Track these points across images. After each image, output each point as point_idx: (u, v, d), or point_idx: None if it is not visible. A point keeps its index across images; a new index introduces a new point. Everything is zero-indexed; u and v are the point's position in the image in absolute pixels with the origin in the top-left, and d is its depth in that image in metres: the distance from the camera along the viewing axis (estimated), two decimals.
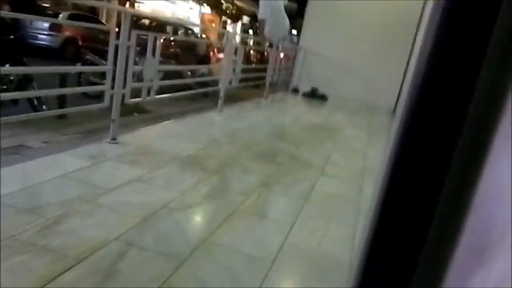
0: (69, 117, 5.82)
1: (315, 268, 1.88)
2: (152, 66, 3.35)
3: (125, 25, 2.86)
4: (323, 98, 8.20)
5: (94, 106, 3.20)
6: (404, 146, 0.66)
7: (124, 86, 3.07)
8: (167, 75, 7.52)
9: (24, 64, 5.62)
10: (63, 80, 5.88)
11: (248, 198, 2.51)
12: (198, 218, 2.15)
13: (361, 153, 4.30)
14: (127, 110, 5.98)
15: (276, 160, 3.49)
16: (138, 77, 3.62)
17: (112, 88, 3.00)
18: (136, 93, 3.43)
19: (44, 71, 4.49)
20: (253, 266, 1.78)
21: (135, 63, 3.25)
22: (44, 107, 5.97)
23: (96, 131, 4.16)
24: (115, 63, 3.01)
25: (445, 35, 0.59)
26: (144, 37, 3.35)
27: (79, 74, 7.11)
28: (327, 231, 2.26)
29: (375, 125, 6.23)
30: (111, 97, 3.02)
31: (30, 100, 5.76)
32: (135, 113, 6.39)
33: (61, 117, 5.75)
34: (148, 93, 3.52)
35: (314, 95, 8.28)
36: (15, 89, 5.65)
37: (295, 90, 8.70)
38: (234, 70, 5.34)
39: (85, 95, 6.90)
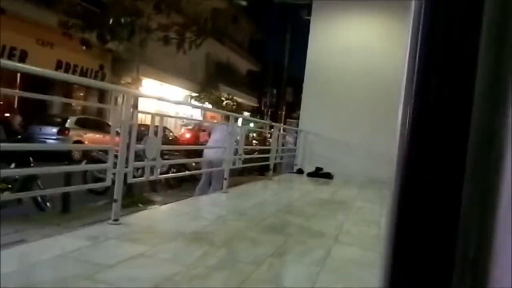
0: (73, 212, 5.75)
1: None
2: (154, 145, 3.36)
3: (128, 105, 2.93)
4: (328, 176, 8.15)
5: (95, 185, 3.13)
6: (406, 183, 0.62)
7: (126, 165, 3.05)
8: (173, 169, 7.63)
9: (29, 164, 5.70)
10: (68, 177, 5.89)
11: (260, 267, 2.32)
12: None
13: (374, 222, 4.11)
14: (131, 202, 5.93)
15: (286, 231, 3.32)
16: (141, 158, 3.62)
17: (115, 167, 2.97)
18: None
19: (49, 171, 4.43)
20: None
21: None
22: (48, 204, 5.94)
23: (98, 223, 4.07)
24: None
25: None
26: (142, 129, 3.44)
27: (85, 171, 7.19)
28: None
29: (384, 197, 6.08)
30: (113, 177, 2.98)
31: (34, 198, 5.75)
32: (140, 204, 6.32)
33: (64, 211, 5.69)
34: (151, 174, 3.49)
35: (319, 174, 8.24)
36: (20, 188, 5.66)
37: (300, 171, 8.68)
38: (237, 151, 5.38)
39: (90, 190, 6.92)
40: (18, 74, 14.11)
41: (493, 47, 0.54)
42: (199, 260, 2.34)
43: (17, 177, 5.54)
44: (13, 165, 5.48)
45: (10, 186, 5.34)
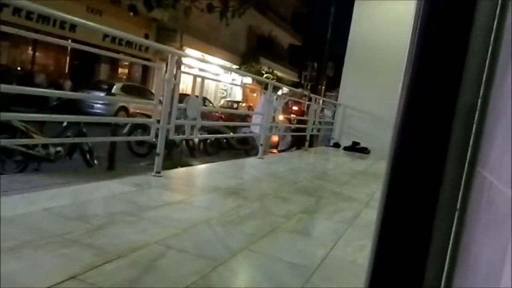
0: (117, 169, 6.12)
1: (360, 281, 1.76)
2: (195, 105, 3.53)
3: (172, 65, 3.09)
4: (364, 151, 8.11)
5: (140, 138, 3.34)
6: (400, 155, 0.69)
7: (169, 122, 3.24)
8: (212, 133, 7.85)
9: (79, 123, 6.07)
10: (114, 144, 6.21)
11: (290, 220, 2.46)
12: (238, 232, 2.12)
13: None
14: (170, 164, 6.22)
15: (318, 194, 3.43)
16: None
17: (158, 122, 3.16)
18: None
19: (96, 140, 4.68)
20: (294, 272, 1.71)
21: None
22: (95, 161, 6.34)
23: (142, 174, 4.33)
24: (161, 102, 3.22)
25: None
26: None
27: (129, 133, 7.50)
28: None
29: None
30: (157, 132, 3.18)
31: (83, 155, 6.15)
32: (179, 166, 6.61)
33: (110, 169, 6.06)
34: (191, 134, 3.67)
35: (356, 149, 8.22)
36: (71, 145, 6.06)
37: (336, 145, 8.69)
38: (273, 118, 5.48)
39: (133, 153, 7.29)
40: (69, 41, 14.76)
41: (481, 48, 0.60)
42: (233, 210, 2.50)
43: (69, 134, 5.94)
44: (65, 123, 5.90)
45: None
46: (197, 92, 3.58)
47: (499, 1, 0.59)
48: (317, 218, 2.73)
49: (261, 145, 5.14)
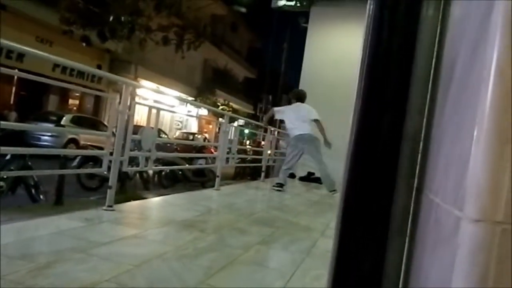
0: (66, 204, 5.81)
1: None
2: (150, 137, 3.47)
3: (126, 95, 3.05)
4: (319, 181, 8.26)
5: (92, 170, 3.22)
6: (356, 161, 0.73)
7: (122, 154, 3.15)
8: (167, 165, 7.70)
9: (25, 156, 5.76)
10: (62, 178, 5.93)
11: (247, 252, 2.43)
12: (194, 266, 2.06)
13: None
14: (123, 198, 6.01)
15: (275, 225, 3.43)
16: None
17: (111, 154, 3.07)
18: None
19: (43, 173, 4.41)
20: None
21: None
22: (41, 196, 5.99)
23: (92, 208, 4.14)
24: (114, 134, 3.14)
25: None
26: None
27: (79, 165, 7.20)
28: None
29: None
30: (109, 164, 3.08)
31: (28, 190, 5.81)
32: (132, 200, 6.39)
33: (57, 203, 5.74)
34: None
35: (311, 179, 8.36)
36: (15, 180, 5.72)
37: (292, 175, 8.79)
38: (230, 149, 5.49)
39: (83, 187, 6.98)
40: (16, 70, 14.19)
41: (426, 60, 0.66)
42: (189, 243, 2.44)
43: (12, 168, 5.60)
44: (8, 156, 5.57)
45: (5, 176, 5.41)
46: (152, 124, 3.54)
47: (438, 27, 0.64)
48: (274, 248, 2.72)
49: (218, 176, 5.11)
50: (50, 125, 11.39)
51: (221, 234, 2.83)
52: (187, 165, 8.57)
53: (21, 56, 13.88)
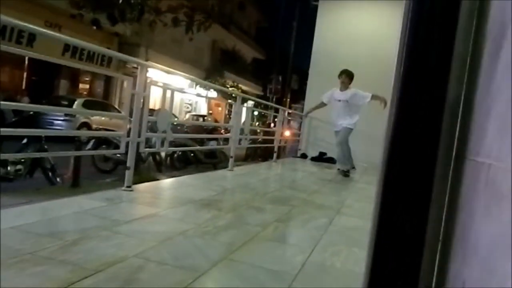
0: (82, 186, 5.92)
1: (340, 283, 1.79)
2: (165, 119, 3.49)
3: (141, 76, 3.06)
4: (331, 161, 8.26)
5: (109, 152, 3.26)
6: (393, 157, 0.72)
7: (139, 135, 3.19)
8: (179, 147, 7.75)
9: (40, 140, 5.84)
10: (78, 160, 6.01)
11: (265, 229, 2.46)
12: (216, 242, 2.10)
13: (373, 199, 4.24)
14: (137, 179, 6.10)
15: (290, 203, 3.46)
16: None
17: (128, 136, 3.11)
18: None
19: (58, 154, 4.42)
20: (276, 278, 1.71)
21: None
22: (58, 179, 6.10)
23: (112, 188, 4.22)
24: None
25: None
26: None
27: (94, 148, 7.26)
28: (350, 253, 2.18)
29: None
30: (127, 145, 3.12)
31: (45, 172, 5.92)
32: (146, 182, 6.48)
33: (74, 186, 5.85)
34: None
35: (322, 159, 8.36)
36: (32, 163, 5.82)
37: (304, 155, 8.81)
38: (242, 130, 5.50)
39: (98, 169, 7.08)
40: (26, 56, 14.25)
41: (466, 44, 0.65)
42: (209, 221, 2.48)
43: (29, 151, 5.69)
44: (25, 140, 5.66)
45: (23, 160, 5.51)
46: (166, 105, 3.56)
47: (478, 4, 0.64)
48: (292, 226, 2.76)
49: (231, 157, 5.14)
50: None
51: (239, 212, 2.87)
52: (198, 147, 8.62)
53: (31, 41, 13.93)
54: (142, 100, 3.15)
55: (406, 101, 0.66)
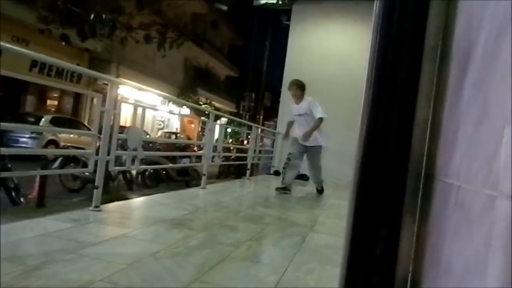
0: (48, 206, 5.69)
1: None
2: (136, 136, 3.43)
3: (112, 93, 3.00)
4: (304, 178, 8.31)
5: (78, 170, 3.16)
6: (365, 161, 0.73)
7: (108, 153, 3.11)
8: (150, 164, 7.61)
9: (4, 159, 5.62)
10: (44, 179, 5.79)
11: (239, 249, 2.43)
12: (187, 263, 2.04)
13: (345, 216, 4.27)
14: (107, 199, 5.93)
15: (264, 221, 3.43)
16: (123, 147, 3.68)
17: (97, 154, 3.02)
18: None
19: (27, 174, 4.20)
20: None
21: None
22: (22, 199, 5.85)
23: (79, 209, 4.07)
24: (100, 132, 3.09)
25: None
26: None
27: (62, 166, 7.04)
28: (324, 272, 2.17)
29: None
30: (96, 163, 3.03)
31: (8, 193, 5.66)
32: (116, 201, 6.30)
33: (39, 206, 5.62)
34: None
35: (296, 176, 8.40)
36: None
37: (277, 172, 8.83)
38: (215, 148, 5.47)
39: (65, 188, 6.84)
40: None
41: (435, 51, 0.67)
42: (180, 241, 2.42)
43: None
44: None
45: None
46: (137, 123, 3.50)
47: (444, 24, 0.65)
48: (265, 244, 2.73)
49: (204, 174, 5.08)
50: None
51: (211, 232, 2.82)
52: (170, 164, 8.49)
53: None
54: (112, 117, 3.08)
55: (375, 121, 0.66)
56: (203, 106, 24.26)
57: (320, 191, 6.10)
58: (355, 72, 8.76)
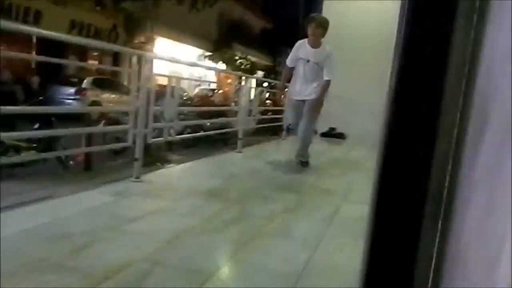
0: (94, 170, 6.03)
1: (346, 282, 1.81)
2: (172, 107, 3.49)
3: (146, 68, 3.04)
4: (341, 136, 8.23)
5: (118, 145, 3.31)
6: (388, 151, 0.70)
7: (146, 126, 3.20)
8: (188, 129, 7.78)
9: (52, 124, 5.92)
10: (89, 138, 6.09)
11: (272, 222, 2.50)
12: (222, 240, 2.14)
13: None
14: (149, 161, 6.17)
15: (297, 189, 3.48)
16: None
17: (135, 127, 3.13)
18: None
19: (71, 132, 4.42)
20: (280, 281, 1.75)
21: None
22: (71, 162, 6.21)
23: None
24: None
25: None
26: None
27: (104, 137, 7.39)
28: (357, 248, 2.20)
29: None
30: (134, 137, 3.14)
31: (58, 156, 6.02)
32: (157, 163, 6.56)
33: (86, 169, 5.97)
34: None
35: (332, 134, 8.33)
36: (44, 148, 5.91)
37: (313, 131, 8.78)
38: (251, 112, 5.48)
39: (113, 151, 7.18)
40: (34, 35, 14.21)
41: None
42: (215, 215, 2.52)
43: (41, 137, 5.80)
44: (37, 125, 5.75)
45: (35, 145, 5.61)
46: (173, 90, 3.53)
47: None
48: (298, 218, 2.79)
49: (240, 139, 5.15)
50: (72, 89, 11.59)
51: (246, 203, 2.90)
52: (208, 123, 8.60)
53: (37, 19, 13.84)
54: (147, 92, 3.14)
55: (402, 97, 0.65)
56: (239, 60, 24.05)
57: (305, 163, 4.54)
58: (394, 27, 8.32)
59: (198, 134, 5.70)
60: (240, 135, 5.12)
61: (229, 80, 27.46)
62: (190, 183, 3.35)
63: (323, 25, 4.17)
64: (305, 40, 4.28)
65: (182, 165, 4.30)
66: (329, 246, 2.18)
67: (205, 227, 2.28)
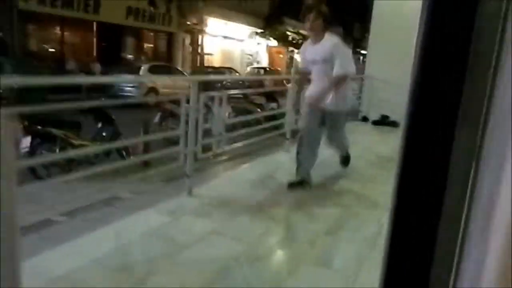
0: (153, 164, 6.44)
1: None
2: (219, 122, 3.67)
3: (194, 91, 3.22)
4: (394, 124, 8.02)
5: (171, 167, 3.56)
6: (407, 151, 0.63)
7: (195, 144, 3.41)
8: (237, 111, 7.97)
9: (113, 122, 6.40)
10: (146, 131, 6.50)
11: (313, 249, 2.63)
12: (265, 271, 2.32)
13: None
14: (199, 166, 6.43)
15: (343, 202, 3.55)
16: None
17: (186, 146, 3.35)
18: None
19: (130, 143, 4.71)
20: None
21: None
22: (131, 157, 6.69)
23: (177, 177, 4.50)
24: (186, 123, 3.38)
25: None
26: None
27: (161, 122, 7.85)
28: None
29: None
30: (185, 156, 3.37)
31: (119, 152, 6.51)
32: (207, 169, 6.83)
33: (145, 165, 6.39)
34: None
35: (384, 123, 8.14)
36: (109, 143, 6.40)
37: (365, 118, 8.63)
38: (298, 111, 5.51)
39: (167, 140, 7.60)
40: (94, 22, 14.95)
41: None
42: (260, 239, 2.70)
43: (104, 134, 6.31)
44: (100, 124, 6.25)
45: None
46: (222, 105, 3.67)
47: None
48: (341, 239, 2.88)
49: (287, 139, 5.23)
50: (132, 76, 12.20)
51: (290, 222, 3.04)
52: (259, 110, 8.72)
53: (97, 8, 14.52)
54: (196, 116, 3.32)
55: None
56: (291, 36, 23.69)
57: (346, 159, 4.34)
58: None
59: (248, 141, 5.68)
60: (287, 136, 5.22)
61: (281, 55, 27.24)
62: (238, 196, 3.53)
63: (321, 15, 3.52)
64: (309, 40, 3.79)
65: (232, 171, 4.49)
66: (372, 274, 2.28)
67: (248, 256, 2.47)
